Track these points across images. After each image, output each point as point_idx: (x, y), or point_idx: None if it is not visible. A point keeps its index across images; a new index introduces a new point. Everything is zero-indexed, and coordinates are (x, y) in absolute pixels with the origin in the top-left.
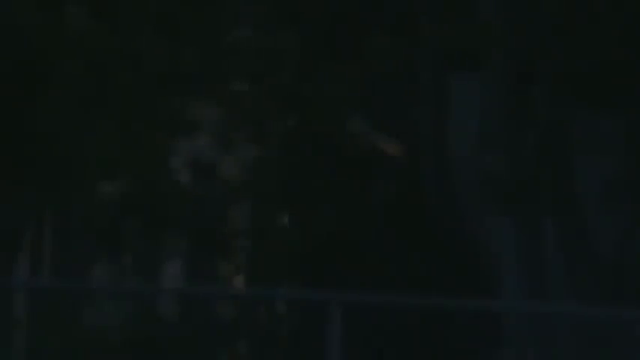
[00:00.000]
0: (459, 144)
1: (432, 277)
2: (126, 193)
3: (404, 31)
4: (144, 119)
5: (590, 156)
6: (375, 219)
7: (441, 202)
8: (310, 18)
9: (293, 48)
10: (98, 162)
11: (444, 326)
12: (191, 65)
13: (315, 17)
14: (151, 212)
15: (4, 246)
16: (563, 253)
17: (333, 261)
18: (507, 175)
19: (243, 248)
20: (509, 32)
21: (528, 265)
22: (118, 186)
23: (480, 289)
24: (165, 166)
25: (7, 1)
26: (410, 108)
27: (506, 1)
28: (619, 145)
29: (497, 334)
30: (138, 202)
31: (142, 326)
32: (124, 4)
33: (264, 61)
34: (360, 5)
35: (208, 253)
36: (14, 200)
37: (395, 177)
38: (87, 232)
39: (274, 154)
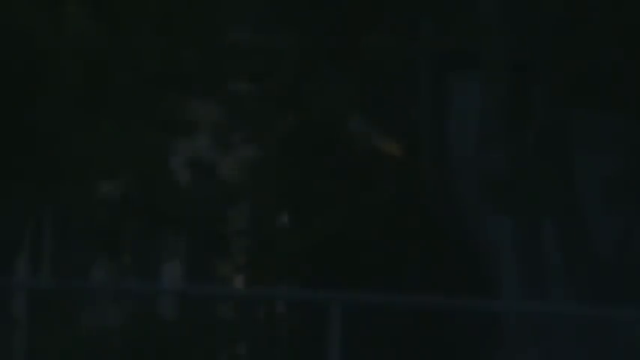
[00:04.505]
0: (459, 144)
1: (432, 277)
2: (125, 192)
3: (404, 31)
4: (144, 119)
5: (590, 156)
6: (375, 219)
7: (441, 202)
8: (310, 18)
9: (293, 48)
10: (98, 162)
11: (444, 326)
12: (191, 65)
13: (315, 17)
14: (151, 212)
15: (4, 246)
16: (563, 253)
17: (333, 261)
18: (507, 175)
19: (243, 248)
20: (509, 32)
21: (528, 265)
22: (118, 186)
23: (480, 289)
24: (165, 166)
25: (7, 1)
26: (410, 108)
27: (506, 1)
28: (619, 145)
29: (497, 334)
30: (138, 202)
31: (142, 326)
32: (124, 4)
33: (264, 61)
34: (359, 5)
35: (208, 253)
36: (14, 200)
37: (395, 177)
38: (87, 232)
39: (274, 154)
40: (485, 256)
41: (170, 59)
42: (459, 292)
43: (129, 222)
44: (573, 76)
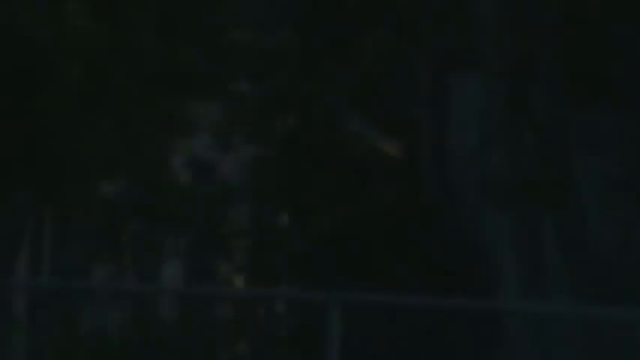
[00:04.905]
0: (459, 144)
1: (432, 277)
2: (125, 192)
3: (404, 31)
4: (144, 119)
5: (590, 156)
6: (374, 219)
7: (441, 202)
8: (310, 18)
9: (293, 48)
10: (98, 162)
11: (444, 326)
12: (191, 65)
13: (315, 17)
14: (151, 212)
15: (4, 246)
16: (563, 253)
17: (333, 261)
18: (507, 175)
19: (243, 248)
20: (509, 32)
21: (528, 265)
22: (118, 186)
23: (480, 289)
24: (165, 166)
25: (7, 0)
26: (410, 108)
27: (506, 1)
28: (619, 145)
29: (498, 334)
30: (138, 202)
31: (142, 326)
32: (124, 4)
33: (264, 61)
34: (359, 5)
35: (208, 253)
36: (14, 200)
37: (395, 177)
38: (87, 232)
39: (274, 154)
40: (485, 256)
41: (170, 59)
42: (459, 292)
43: (129, 222)
44: (573, 76)
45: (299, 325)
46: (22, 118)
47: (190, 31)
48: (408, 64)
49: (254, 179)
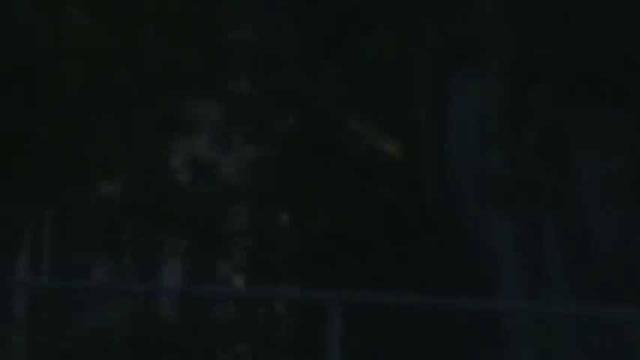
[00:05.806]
0: (459, 144)
1: (432, 277)
2: (126, 192)
3: (404, 31)
4: (144, 119)
5: (590, 156)
6: (374, 219)
7: (441, 202)
8: (310, 18)
9: (293, 48)
10: (98, 162)
11: (444, 326)
12: (191, 65)
13: (315, 17)
14: (151, 212)
15: (4, 246)
16: (563, 253)
17: (333, 261)
18: (507, 175)
19: (243, 248)
20: (509, 32)
21: (528, 265)
22: (118, 186)
23: (480, 289)
24: (165, 166)
25: (7, 0)
26: (410, 108)
27: (506, 1)
28: (619, 145)
29: (497, 334)
30: (138, 202)
31: (142, 326)
32: (124, 4)
33: (264, 61)
34: (359, 5)
35: (208, 253)
36: (14, 200)
37: (395, 177)
38: (87, 232)
39: (274, 154)
40: (486, 256)
41: (170, 59)
42: (459, 292)
43: (129, 222)
44: (573, 76)
45: (299, 325)
46: (21, 118)
47: (190, 31)
48: (408, 64)
49: (254, 179)
